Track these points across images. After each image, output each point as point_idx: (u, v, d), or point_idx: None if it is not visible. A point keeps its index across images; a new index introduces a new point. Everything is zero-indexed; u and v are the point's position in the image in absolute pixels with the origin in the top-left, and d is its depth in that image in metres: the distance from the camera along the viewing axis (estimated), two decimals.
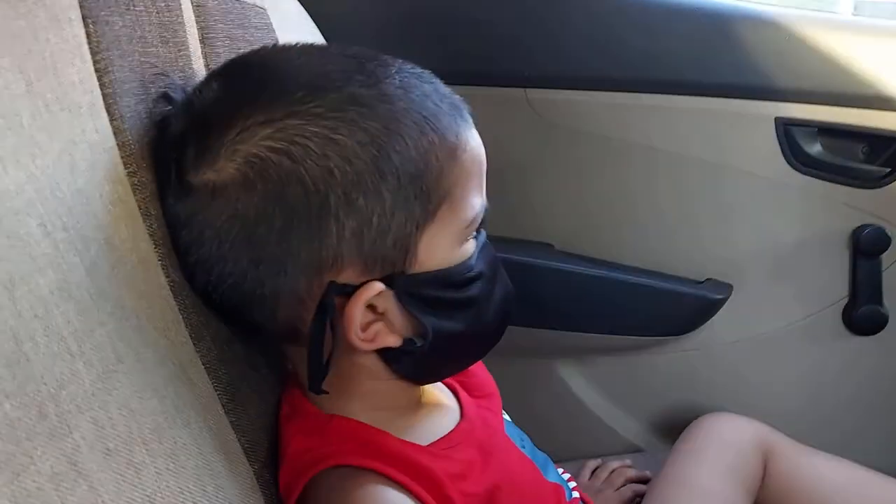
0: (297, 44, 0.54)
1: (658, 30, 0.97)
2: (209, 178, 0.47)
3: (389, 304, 0.50)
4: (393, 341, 0.51)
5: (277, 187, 0.46)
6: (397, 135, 0.47)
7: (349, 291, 0.48)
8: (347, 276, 0.49)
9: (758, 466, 0.86)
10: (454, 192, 0.50)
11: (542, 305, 1.03)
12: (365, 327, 0.50)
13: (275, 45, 0.56)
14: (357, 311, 0.49)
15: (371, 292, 0.49)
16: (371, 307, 0.50)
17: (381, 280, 0.49)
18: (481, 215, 0.53)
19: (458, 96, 0.53)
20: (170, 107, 0.51)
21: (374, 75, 0.49)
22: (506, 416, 0.69)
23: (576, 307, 1.04)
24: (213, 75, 0.54)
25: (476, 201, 0.52)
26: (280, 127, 0.46)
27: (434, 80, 0.52)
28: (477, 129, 0.53)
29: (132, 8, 0.51)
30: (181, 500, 0.42)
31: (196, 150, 0.48)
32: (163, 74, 0.53)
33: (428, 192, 0.49)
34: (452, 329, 0.52)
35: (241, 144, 0.46)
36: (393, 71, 0.50)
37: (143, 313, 0.45)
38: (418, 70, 0.51)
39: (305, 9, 0.93)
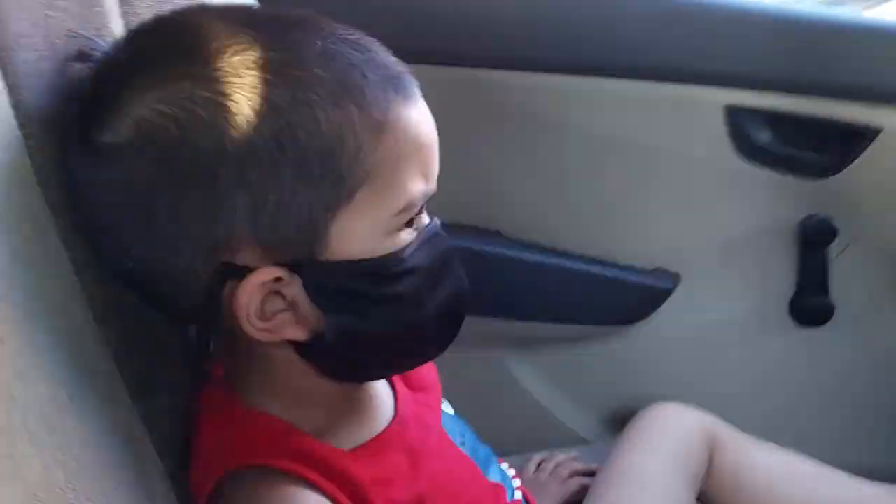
0: (227, 5, 0.50)
1: (608, 14, 0.95)
2: (106, 139, 0.43)
3: (297, 292, 0.46)
4: (297, 334, 0.47)
5: (164, 155, 0.42)
6: (305, 105, 0.43)
7: (242, 274, 0.44)
8: (245, 258, 0.44)
9: (703, 457, 0.85)
10: (380, 173, 0.45)
11: (490, 293, 1.01)
12: (270, 316, 0.46)
13: (201, 5, 0.51)
14: (246, 296, 0.44)
15: (263, 277, 0.44)
16: (279, 294, 0.46)
17: (288, 266, 0.45)
18: (420, 202, 0.48)
19: (403, 69, 0.48)
20: (85, 65, 0.47)
21: (291, 39, 0.44)
22: (447, 409, 0.66)
23: (523, 295, 1.02)
24: (128, 34, 0.49)
25: (413, 187, 0.47)
26: (171, 90, 0.42)
27: (373, 49, 0.47)
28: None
29: None
30: (72, 496, 0.38)
31: (98, 109, 0.44)
32: (78, 32, 0.48)
33: (341, 171, 0.44)
34: (369, 327, 0.48)
35: (134, 107, 0.43)
36: (317, 36, 0.45)
37: (35, 290, 0.41)
38: (356, 37, 0.47)
39: None
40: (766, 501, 0.82)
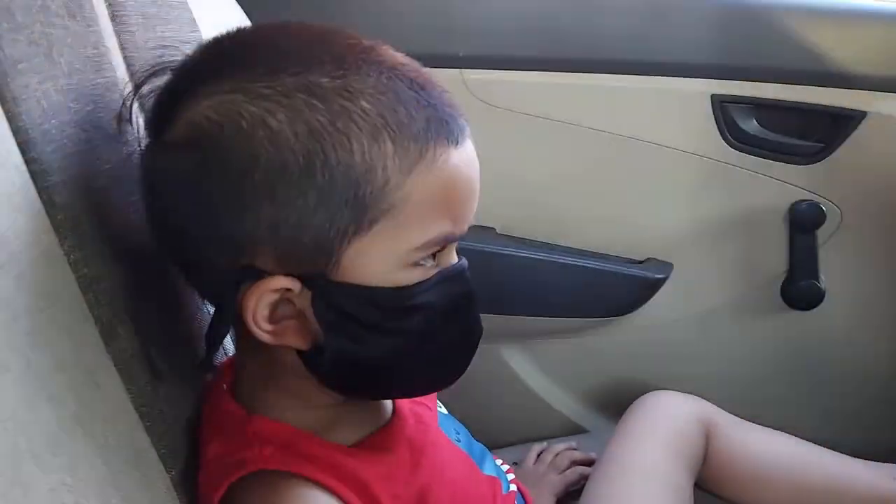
0: (303, 23, 0.50)
1: (593, 9, 0.95)
2: (168, 137, 0.47)
3: (306, 305, 0.47)
4: (300, 343, 0.48)
5: (206, 157, 0.45)
6: (343, 134, 0.44)
7: (257, 277, 0.46)
8: (263, 263, 0.46)
9: (699, 443, 0.86)
10: (404, 209, 0.46)
11: (485, 290, 1.00)
12: (278, 319, 0.48)
13: (279, 22, 0.51)
14: (255, 299, 0.46)
15: (275, 285, 0.46)
16: (290, 302, 0.47)
17: (301, 278, 0.46)
18: (442, 244, 0.48)
19: (455, 111, 0.48)
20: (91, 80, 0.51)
21: (348, 67, 0.45)
22: (441, 409, 0.67)
23: (518, 290, 1.03)
24: (207, 42, 0.51)
25: (436, 227, 0.47)
26: (222, 100, 0.45)
27: (427, 87, 0.47)
28: None
29: None
30: None
31: (166, 112, 0.48)
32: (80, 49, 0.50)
33: (365, 202, 0.45)
34: (366, 353, 0.49)
35: (188, 111, 0.46)
36: (377, 68, 0.46)
37: (41, 314, 0.41)
38: (415, 74, 0.47)
39: None
40: (762, 484, 0.84)
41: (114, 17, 0.56)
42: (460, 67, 0.97)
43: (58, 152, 0.46)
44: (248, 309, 0.47)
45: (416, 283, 0.48)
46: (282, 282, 0.46)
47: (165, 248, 0.51)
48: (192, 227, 0.47)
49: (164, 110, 0.48)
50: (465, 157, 0.48)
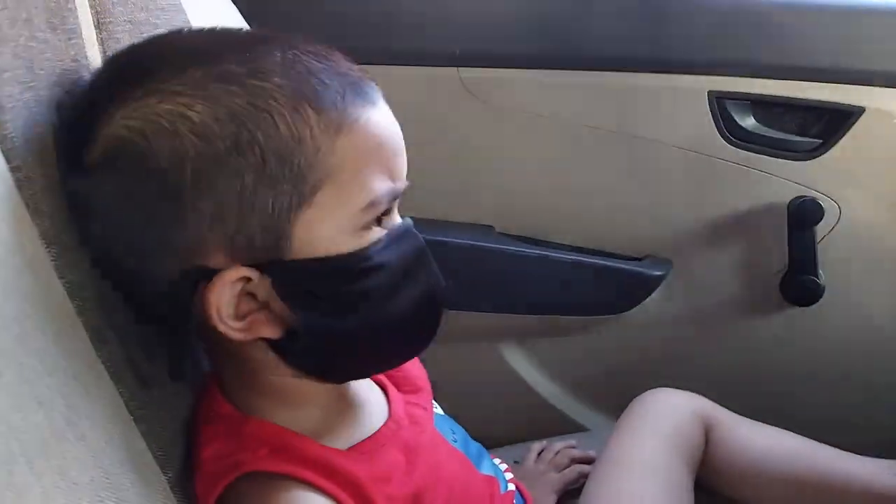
0: (196, 27, 0.52)
1: (589, 6, 0.96)
2: (87, 159, 0.46)
3: (268, 292, 0.47)
4: (272, 332, 0.48)
5: (133, 167, 0.45)
6: (264, 111, 0.45)
7: (212, 276, 0.46)
8: (215, 261, 0.46)
9: (699, 440, 0.86)
10: (341, 173, 0.46)
11: (484, 288, 1.02)
12: (244, 315, 0.48)
13: (172, 31, 0.53)
14: (215, 296, 0.46)
15: (231, 277, 0.46)
16: (252, 294, 0.47)
17: (257, 266, 0.46)
18: (386, 200, 0.49)
19: (362, 75, 0.50)
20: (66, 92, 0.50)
21: (253, 51, 0.47)
22: (437, 409, 0.67)
23: (517, 289, 1.03)
24: (104, 63, 0.52)
25: (377, 185, 0.48)
26: (136, 107, 0.45)
27: (333, 58, 0.49)
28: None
29: None
30: None
31: (79, 133, 0.46)
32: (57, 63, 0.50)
33: (301, 172, 0.45)
34: (340, 324, 0.49)
35: (104, 127, 0.45)
36: (279, 49, 0.47)
37: (29, 320, 0.42)
38: (315, 48, 0.49)
39: None
40: (761, 480, 0.84)
41: (99, 26, 0.56)
42: (456, 66, 0.98)
43: (41, 161, 0.46)
44: (211, 310, 0.46)
45: (371, 244, 0.48)
46: (237, 272, 0.46)
47: (103, 268, 0.49)
48: (132, 241, 0.47)
49: (77, 133, 0.47)
50: (384, 115, 0.49)
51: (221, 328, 0.47)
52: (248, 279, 0.47)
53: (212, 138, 0.44)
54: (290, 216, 0.46)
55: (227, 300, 0.47)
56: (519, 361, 1.08)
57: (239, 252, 0.46)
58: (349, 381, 0.57)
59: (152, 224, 0.45)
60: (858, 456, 0.83)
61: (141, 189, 0.45)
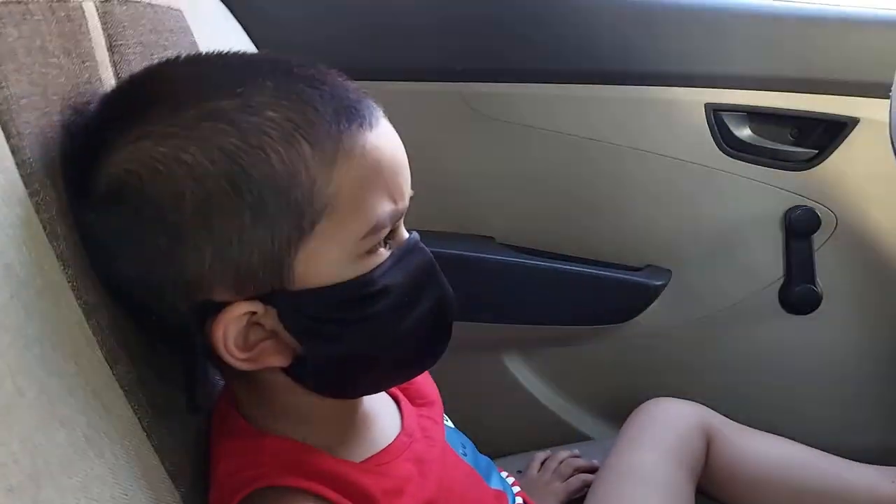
0: (186, 55, 0.52)
1: (587, 21, 0.97)
2: (91, 191, 0.47)
3: (275, 322, 0.48)
4: (280, 361, 0.49)
5: (133, 208, 0.45)
6: (257, 148, 0.45)
7: (218, 310, 0.46)
8: (219, 295, 0.46)
9: (701, 449, 0.87)
10: (340, 203, 0.46)
11: (485, 299, 1.03)
12: (252, 345, 0.48)
13: (163, 61, 0.53)
14: (221, 331, 0.46)
15: (237, 312, 0.46)
16: (259, 324, 0.48)
17: (262, 298, 0.47)
18: (389, 222, 0.49)
19: (359, 96, 0.49)
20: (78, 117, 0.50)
21: (243, 85, 0.46)
22: (448, 423, 0.68)
23: (518, 299, 1.04)
24: (104, 96, 0.52)
25: (379, 209, 0.48)
26: (132, 150, 0.45)
27: (328, 81, 0.48)
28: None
29: (29, 17, 0.49)
30: None
31: (83, 165, 0.47)
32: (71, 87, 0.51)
33: (299, 206, 0.45)
34: (347, 349, 0.49)
35: (105, 165, 0.46)
36: (269, 76, 0.47)
37: (49, 340, 0.43)
38: (310, 71, 0.48)
39: (230, 8, 0.91)
40: (762, 488, 0.85)
41: (112, 48, 0.57)
42: (458, 81, 0.99)
43: (56, 184, 0.47)
44: (218, 342, 0.47)
45: (375, 268, 0.48)
46: (243, 307, 0.46)
47: (113, 295, 0.50)
48: (137, 277, 0.47)
49: (80, 166, 0.48)
50: (383, 136, 0.49)
51: (228, 360, 0.48)
52: (254, 312, 0.47)
53: (207, 179, 0.44)
54: (290, 249, 0.46)
55: (233, 333, 0.47)
56: (521, 371, 1.09)
57: (243, 286, 0.46)
58: (363, 395, 0.57)
59: (154, 262, 0.46)
60: (859, 464, 0.84)
61: (141, 229, 0.45)
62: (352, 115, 0.47)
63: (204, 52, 0.52)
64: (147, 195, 0.45)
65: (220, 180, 0.44)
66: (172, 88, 0.48)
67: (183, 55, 0.52)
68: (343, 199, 0.46)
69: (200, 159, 0.44)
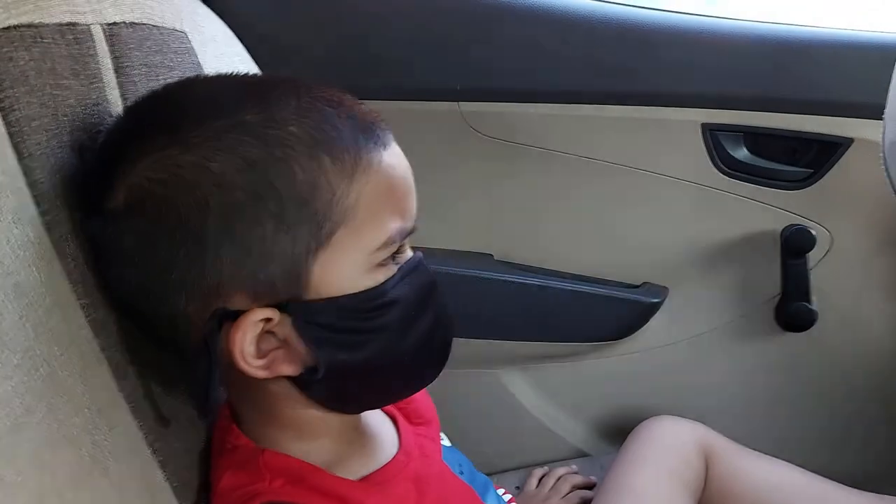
0: (209, 75, 0.54)
1: (585, 42, 0.98)
2: (108, 206, 0.47)
3: (288, 331, 0.49)
4: (290, 370, 0.50)
5: (156, 216, 0.46)
6: (281, 161, 0.46)
7: (234, 317, 0.47)
8: (236, 303, 0.48)
9: (700, 469, 0.88)
10: (356, 216, 0.48)
11: (483, 316, 1.04)
12: (264, 354, 0.49)
13: (185, 78, 0.55)
14: (239, 337, 0.48)
15: (253, 318, 0.47)
16: (272, 333, 0.49)
17: (277, 306, 0.48)
18: (398, 239, 0.51)
19: (374, 118, 0.51)
20: (88, 137, 0.51)
21: (267, 100, 0.48)
22: (445, 442, 0.69)
23: (516, 316, 1.04)
24: (125, 110, 0.53)
25: (390, 225, 0.50)
26: (158, 157, 0.46)
27: (345, 103, 0.50)
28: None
29: (40, 41, 0.50)
30: None
31: (101, 181, 0.48)
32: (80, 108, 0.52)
33: (318, 217, 0.47)
34: (358, 358, 0.50)
35: (126, 176, 0.47)
36: (292, 95, 0.49)
37: (57, 360, 0.44)
38: (328, 92, 0.50)
39: (234, 31, 0.92)
40: None
41: (118, 70, 0.58)
42: (457, 100, 1.00)
43: (67, 204, 0.48)
44: (234, 350, 0.48)
45: (385, 281, 0.50)
46: (260, 314, 0.47)
47: (125, 311, 0.51)
48: (154, 287, 0.48)
49: (98, 179, 0.49)
50: (395, 156, 0.51)
51: (244, 367, 0.48)
52: (270, 319, 0.48)
53: (231, 188, 0.45)
54: (308, 258, 0.47)
55: (249, 340, 0.48)
56: (519, 387, 1.09)
57: (260, 294, 0.47)
58: (365, 411, 0.58)
59: (174, 270, 0.47)
60: (854, 490, 0.85)
61: (163, 237, 0.46)
62: (368, 134, 0.50)
63: (231, 72, 0.53)
64: (171, 202, 0.46)
65: (244, 189, 0.45)
66: (198, 102, 0.49)
67: (202, 75, 0.53)
68: (360, 211, 0.48)
69: (226, 168, 0.45)
